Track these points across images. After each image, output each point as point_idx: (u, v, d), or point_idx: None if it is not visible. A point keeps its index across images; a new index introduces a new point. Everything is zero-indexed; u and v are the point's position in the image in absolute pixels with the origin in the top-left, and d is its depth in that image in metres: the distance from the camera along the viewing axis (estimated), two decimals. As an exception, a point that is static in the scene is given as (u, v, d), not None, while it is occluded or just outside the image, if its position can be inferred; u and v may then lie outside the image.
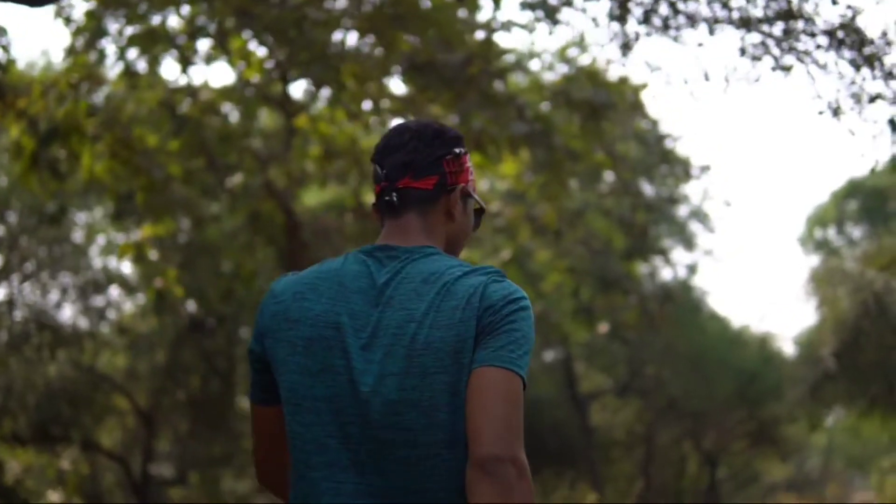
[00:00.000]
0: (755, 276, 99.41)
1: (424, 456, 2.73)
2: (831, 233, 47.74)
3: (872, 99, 7.83)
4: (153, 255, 17.98)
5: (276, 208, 17.16)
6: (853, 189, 45.51)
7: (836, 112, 7.88)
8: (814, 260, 43.95)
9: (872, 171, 9.13)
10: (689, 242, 32.53)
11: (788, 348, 39.23)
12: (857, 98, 7.84)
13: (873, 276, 23.59)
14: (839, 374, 24.52)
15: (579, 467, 30.73)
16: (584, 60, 14.63)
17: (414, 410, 2.72)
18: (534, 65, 16.27)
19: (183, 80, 14.02)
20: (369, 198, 17.92)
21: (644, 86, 16.88)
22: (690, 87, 8.24)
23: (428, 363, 2.73)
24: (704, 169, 27.26)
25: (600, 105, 12.59)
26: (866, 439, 45.36)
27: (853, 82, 7.82)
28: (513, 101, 12.17)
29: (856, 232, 46.05)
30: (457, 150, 3.04)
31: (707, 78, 8.21)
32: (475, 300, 2.77)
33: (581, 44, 14.36)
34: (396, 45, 11.06)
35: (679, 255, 33.52)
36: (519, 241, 19.42)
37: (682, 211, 31.06)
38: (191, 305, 21.71)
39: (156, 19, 12.27)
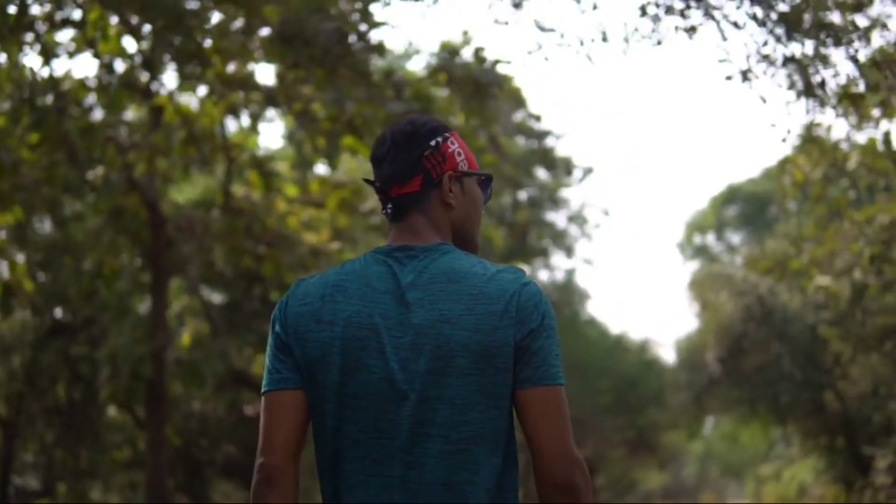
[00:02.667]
0: (633, 282, 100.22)
1: (454, 451, 2.84)
2: (710, 238, 47.84)
3: (786, 61, 7.12)
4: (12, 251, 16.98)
5: (139, 203, 16.26)
6: (732, 195, 45.58)
7: (746, 76, 7.16)
8: (692, 266, 43.90)
9: (783, 141, 8.45)
10: (568, 249, 32.16)
11: (668, 355, 39.12)
12: (769, 61, 7.13)
13: (757, 280, 23.32)
14: (723, 380, 24.23)
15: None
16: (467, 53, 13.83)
17: (448, 408, 2.84)
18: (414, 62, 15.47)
19: (45, 73, 13.19)
20: (238, 191, 17.13)
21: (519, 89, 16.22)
22: (586, 50, 7.43)
23: (463, 364, 2.85)
24: (587, 172, 26.80)
25: (485, 83, 11.73)
26: (743, 447, 45.51)
27: (765, 43, 7.09)
28: (390, 77, 11.31)
29: (735, 238, 46.17)
30: (433, 143, 3.08)
31: (605, 38, 7.43)
32: (512, 309, 2.88)
33: (466, 36, 13.62)
34: (259, 11, 10.19)
35: (558, 259, 33.16)
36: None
37: (561, 217, 30.62)
38: (54, 310, 20.71)
39: (12, 8, 11.30)
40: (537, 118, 20.05)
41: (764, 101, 7.03)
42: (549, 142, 23.87)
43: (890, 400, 20.64)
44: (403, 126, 3.10)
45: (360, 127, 11.63)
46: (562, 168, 25.32)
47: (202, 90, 14.22)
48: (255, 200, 16.62)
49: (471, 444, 2.85)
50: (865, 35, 6.99)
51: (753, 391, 23.86)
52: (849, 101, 7.09)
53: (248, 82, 12.87)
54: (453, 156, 3.12)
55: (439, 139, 3.09)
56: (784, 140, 8.19)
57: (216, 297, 21.44)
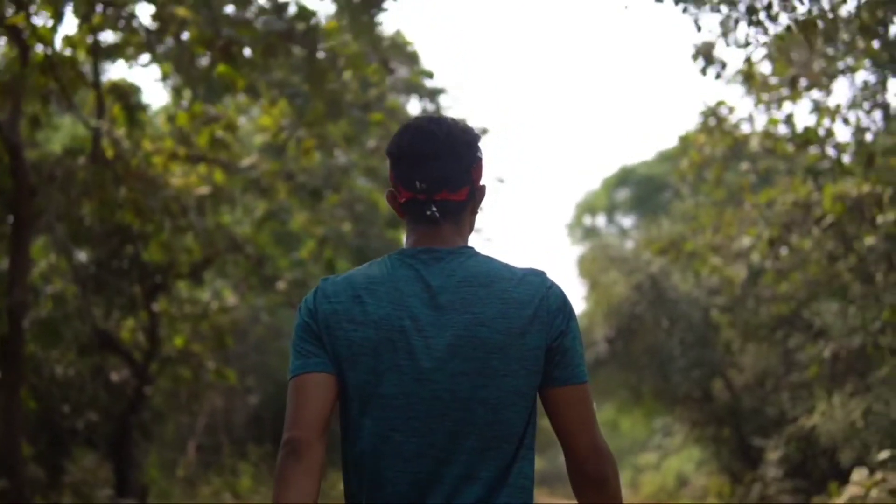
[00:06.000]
0: (520, 260, 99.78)
1: (486, 447, 3.00)
2: (601, 221, 47.63)
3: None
4: None
5: (0, 147, 15.13)
6: (625, 177, 45.34)
7: (680, -3, 6.25)
8: (580, 249, 43.68)
9: (717, 77, 7.54)
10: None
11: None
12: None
13: (649, 259, 22.76)
14: (609, 361, 23.70)
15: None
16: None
17: (482, 407, 2.99)
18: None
19: None
20: (104, 127, 16.01)
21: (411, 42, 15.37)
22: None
23: (498, 366, 2.99)
24: (483, 132, 25.93)
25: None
26: (623, 435, 45.61)
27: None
28: (270, -7, 10.30)
29: (626, 221, 45.99)
30: (479, 155, 3.17)
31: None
32: (542, 313, 3.04)
33: None
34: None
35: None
36: (275, 199, 17.67)
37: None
38: None
39: None
40: (430, 75, 19.16)
41: (699, 28, 6.14)
42: (443, 101, 23.01)
43: (777, 391, 20.16)
44: (457, 132, 3.11)
45: (236, 55, 10.62)
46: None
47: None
48: (120, 139, 15.51)
49: (502, 442, 2.99)
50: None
51: (640, 374, 23.37)
52: (800, 28, 6.23)
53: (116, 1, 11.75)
54: (482, 166, 3.21)
55: (481, 151, 3.18)
56: (718, 76, 7.35)
57: (83, 256, 20.29)
